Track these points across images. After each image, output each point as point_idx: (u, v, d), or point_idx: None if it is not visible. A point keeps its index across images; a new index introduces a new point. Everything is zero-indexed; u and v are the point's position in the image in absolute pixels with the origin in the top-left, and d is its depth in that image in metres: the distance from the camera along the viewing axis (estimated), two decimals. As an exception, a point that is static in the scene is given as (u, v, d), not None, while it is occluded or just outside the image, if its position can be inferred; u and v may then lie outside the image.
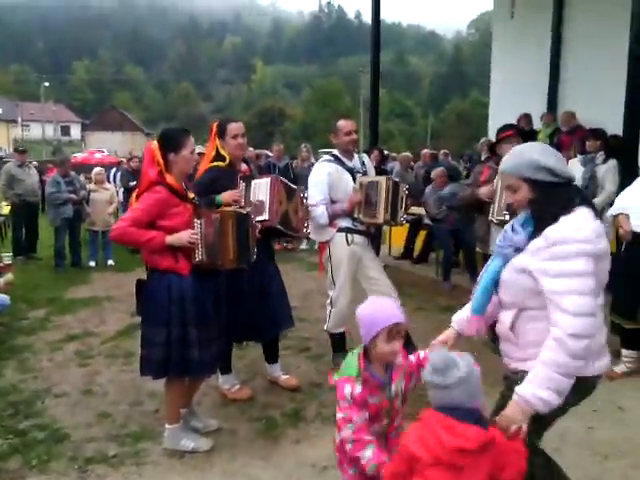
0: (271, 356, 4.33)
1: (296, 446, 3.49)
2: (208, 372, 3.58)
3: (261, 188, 3.85)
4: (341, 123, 4.40)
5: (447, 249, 7.16)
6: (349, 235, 4.38)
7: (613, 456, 3.28)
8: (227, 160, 3.90)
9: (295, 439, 3.56)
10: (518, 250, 2.16)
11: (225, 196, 3.79)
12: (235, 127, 3.92)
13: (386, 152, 11.71)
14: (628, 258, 4.35)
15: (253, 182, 3.88)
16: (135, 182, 9.59)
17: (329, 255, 4.44)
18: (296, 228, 4.08)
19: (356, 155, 4.54)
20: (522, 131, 4.97)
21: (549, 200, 2.12)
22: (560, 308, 2.02)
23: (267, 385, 4.30)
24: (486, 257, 4.79)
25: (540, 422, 2.17)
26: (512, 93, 9.81)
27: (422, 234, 8.25)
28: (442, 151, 12.64)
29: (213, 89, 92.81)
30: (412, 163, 11.06)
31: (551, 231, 2.06)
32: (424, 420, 1.95)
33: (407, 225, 7.70)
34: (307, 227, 4.20)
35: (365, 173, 4.51)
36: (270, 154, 11.65)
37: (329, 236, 4.42)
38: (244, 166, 4.10)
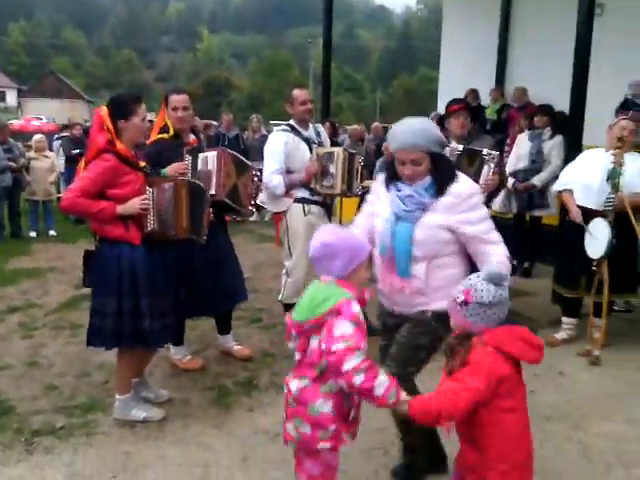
0: (224, 327, 4.31)
1: (249, 414, 3.51)
2: (160, 343, 3.54)
3: (208, 161, 3.76)
4: (296, 92, 4.36)
5: None
6: (306, 206, 4.37)
7: (555, 418, 3.44)
8: (170, 132, 3.80)
9: (248, 407, 3.58)
10: (424, 211, 2.48)
11: (170, 169, 3.69)
12: (175, 99, 3.79)
13: (337, 124, 11.71)
14: (569, 230, 4.52)
15: (200, 155, 3.79)
16: (78, 150, 9.28)
17: (286, 226, 4.42)
18: (243, 203, 3.99)
19: (311, 125, 4.51)
20: (470, 106, 5.03)
21: (444, 166, 2.54)
22: (491, 242, 2.51)
23: (219, 355, 4.29)
24: None
25: (422, 359, 2.61)
26: (461, 69, 9.92)
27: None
28: (392, 125, 12.65)
29: (157, 56, 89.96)
30: (363, 136, 11.08)
31: (458, 189, 2.49)
32: (490, 340, 1.96)
33: (358, 198, 7.72)
34: (253, 205, 4.10)
35: (321, 144, 4.50)
36: (215, 123, 11.44)
37: (285, 206, 4.40)
38: (192, 137, 4.00)
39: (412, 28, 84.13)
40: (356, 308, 2.05)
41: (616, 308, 4.73)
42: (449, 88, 10.23)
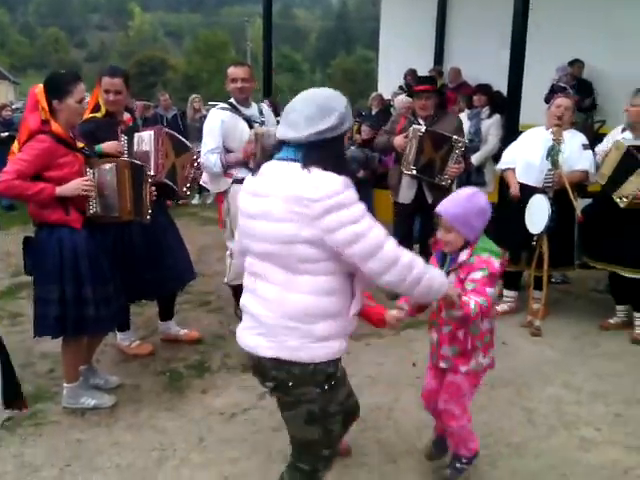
0: (166, 313, 4.23)
1: (203, 396, 3.50)
2: (106, 330, 3.47)
3: (145, 141, 3.67)
4: (229, 70, 4.28)
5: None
6: None
7: (499, 385, 3.58)
8: (102, 110, 3.68)
9: (201, 389, 3.56)
10: None
11: (106, 146, 3.57)
12: (107, 82, 3.64)
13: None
14: (508, 207, 4.68)
15: (136, 135, 3.68)
16: (7, 133, 8.87)
17: (227, 207, 4.38)
18: (179, 185, 3.87)
19: (255, 104, 4.46)
20: (435, 87, 5.07)
21: None
22: None
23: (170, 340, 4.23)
24: (396, 205, 4.98)
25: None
26: (400, 49, 10.02)
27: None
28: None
29: (86, 35, 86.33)
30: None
31: None
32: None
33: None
34: (189, 188, 3.97)
35: (263, 123, 4.45)
36: (151, 104, 11.16)
37: (226, 186, 4.34)
38: (127, 115, 3.88)
39: (349, 8, 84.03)
40: (497, 266, 2.41)
41: (553, 280, 4.95)
42: (388, 68, 10.34)
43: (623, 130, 4.32)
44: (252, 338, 2.03)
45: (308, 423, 2.04)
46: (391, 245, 1.91)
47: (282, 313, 1.95)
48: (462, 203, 2.39)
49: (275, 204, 1.90)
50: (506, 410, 3.33)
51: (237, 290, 4.56)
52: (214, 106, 4.56)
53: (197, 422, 3.21)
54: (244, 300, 2.11)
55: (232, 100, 4.35)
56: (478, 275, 2.33)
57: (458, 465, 2.67)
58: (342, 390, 2.21)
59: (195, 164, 3.95)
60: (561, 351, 4.09)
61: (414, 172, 4.69)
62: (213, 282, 5.36)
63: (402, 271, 1.91)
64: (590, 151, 4.37)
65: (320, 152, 1.91)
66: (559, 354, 4.05)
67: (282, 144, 1.99)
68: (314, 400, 2.01)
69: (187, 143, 4.01)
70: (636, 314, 4.25)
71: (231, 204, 4.34)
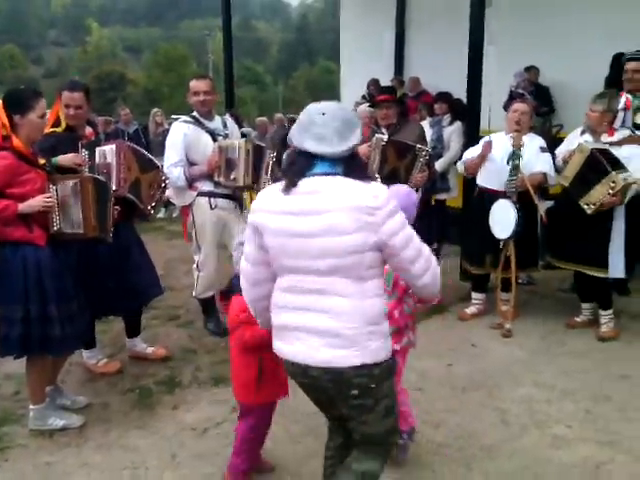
0: (133, 330, 4.15)
1: (174, 412, 3.44)
2: (71, 349, 3.40)
3: (107, 155, 3.60)
4: (191, 83, 4.30)
5: None
6: (212, 199, 4.30)
7: (471, 388, 3.62)
8: (62, 125, 3.61)
9: (172, 405, 3.50)
10: None
11: (62, 159, 3.48)
12: (67, 96, 3.57)
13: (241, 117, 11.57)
14: (472, 210, 4.75)
15: (97, 149, 3.61)
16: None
17: (192, 220, 4.35)
18: (144, 202, 3.78)
19: (218, 117, 4.44)
20: (395, 96, 5.09)
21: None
22: None
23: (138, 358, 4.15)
24: None
25: None
26: (361, 59, 10.10)
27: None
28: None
29: (44, 51, 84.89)
30: (269, 128, 11.03)
31: None
32: None
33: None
34: (153, 207, 3.86)
35: (227, 136, 4.43)
36: (112, 119, 11.03)
37: (190, 199, 4.31)
38: (89, 130, 3.82)
39: (309, 20, 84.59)
40: None
41: (520, 281, 5.02)
42: (351, 78, 10.41)
43: (582, 132, 4.42)
44: (328, 352, 2.00)
45: (385, 417, 2.15)
46: (426, 247, 2.10)
47: (363, 321, 2.00)
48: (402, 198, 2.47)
49: (340, 217, 1.92)
50: (478, 412, 3.36)
51: (206, 303, 4.52)
52: (177, 119, 4.53)
53: (169, 439, 3.16)
54: (294, 319, 2.05)
55: (195, 113, 4.33)
56: None
57: (401, 442, 2.77)
58: None
59: (162, 184, 3.89)
60: (530, 351, 4.15)
61: (378, 180, 4.70)
62: (181, 296, 5.28)
63: (435, 271, 2.11)
64: (548, 154, 4.46)
65: (356, 164, 2.05)
66: (528, 354, 4.11)
67: (311, 159, 1.99)
68: (388, 394, 2.14)
69: (155, 161, 3.92)
70: (602, 312, 4.34)
71: (196, 217, 4.32)
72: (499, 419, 3.29)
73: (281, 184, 2.03)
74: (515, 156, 4.23)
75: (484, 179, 4.51)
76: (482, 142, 4.62)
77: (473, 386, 3.65)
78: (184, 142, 4.21)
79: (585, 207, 4.08)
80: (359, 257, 1.95)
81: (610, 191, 3.95)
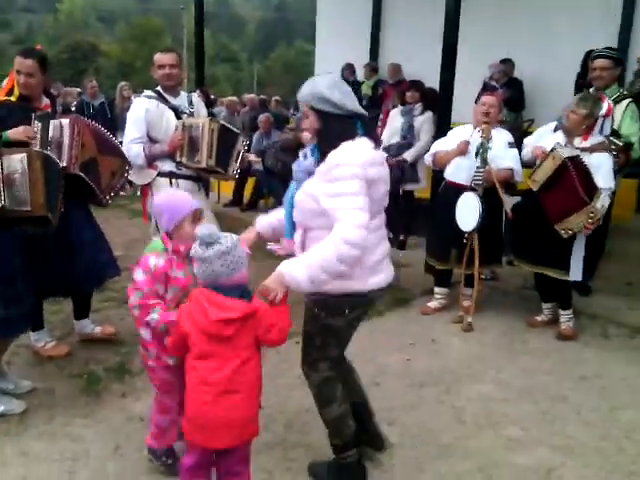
0: (81, 311, 3.99)
1: (122, 400, 3.31)
2: (17, 331, 3.23)
3: (61, 130, 3.39)
4: (156, 56, 4.08)
5: (278, 196, 7.15)
6: (173, 180, 4.12)
7: (429, 384, 3.57)
8: (16, 94, 3.42)
9: (120, 393, 3.38)
10: (311, 175, 2.40)
11: (12, 133, 3.29)
12: (19, 62, 3.38)
13: (212, 96, 11.34)
14: (438, 205, 4.69)
15: (52, 122, 3.41)
16: None
17: (153, 200, 4.18)
18: (102, 187, 3.55)
19: (184, 93, 4.26)
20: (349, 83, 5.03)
21: (330, 129, 2.36)
22: (340, 220, 2.24)
23: (87, 340, 4.00)
24: None
25: (336, 337, 2.54)
26: (337, 43, 9.97)
27: (251, 181, 8.19)
28: (274, 98, 12.36)
29: (11, 17, 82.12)
30: (240, 108, 10.80)
31: (331, 156, 2.31)
32: (193, 298, 2.23)
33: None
34: (112, 196, 3.64)
35: (192, 114, 4.25)
36: (77, 90, 10.69)
37: (150, 178, 4.12)
38: (46, 101, 3.62)
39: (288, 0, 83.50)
40: (153, 261, 2.43)
41: (483, 277, 4.99)
42: (325, 62, 10.27)
43: (556, 129, 4.36)
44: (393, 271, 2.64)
45: None
46: None
47: None
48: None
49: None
50: (435, 409, 3.31)
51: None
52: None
53: (115, 428, 3.03)
54: (383, 251, 2.55)
55: (158, 88, 4.14)
56: None
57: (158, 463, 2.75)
58: None
59: (126, 175, 3.71)
60: (490, 347, 4.13)
61: None
62: (138, 278, 5.11)
63: None
64: (515, 150, 4.40)
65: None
66: (488, 350, 4.08)
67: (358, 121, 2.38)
68: None
69: (121, 149, 3.75)
70: (561, 311, 4.33)
71: (156, 197, 4.15)
72: (455, 417, 3.24)
73: (364, 141, 2.36)
74: (483, 149, 4.17)
75: (451, 173, 4.44)
76: (453, 133, 4.54)
77: (431, 382, 3.61)
78: (145, 118, 4.02)
79: (562, 232, 4.02)
80: None
81: (590, 220, 3.92)
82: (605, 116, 4.40)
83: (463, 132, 4.47)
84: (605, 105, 4.41)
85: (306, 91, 2.37)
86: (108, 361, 3.72)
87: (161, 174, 4.08)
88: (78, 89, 10.92)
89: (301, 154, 2.50)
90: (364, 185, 2.28)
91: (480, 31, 7.42)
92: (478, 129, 4.28)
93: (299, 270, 2.21)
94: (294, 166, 2.51)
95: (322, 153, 2.38)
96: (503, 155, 4.31)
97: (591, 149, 4.11)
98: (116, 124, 8.33)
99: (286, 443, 2.95)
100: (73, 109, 7.28)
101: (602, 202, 3.96)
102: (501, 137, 4.37)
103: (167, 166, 4.07)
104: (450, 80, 5.10)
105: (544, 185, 4.07)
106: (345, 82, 2.47)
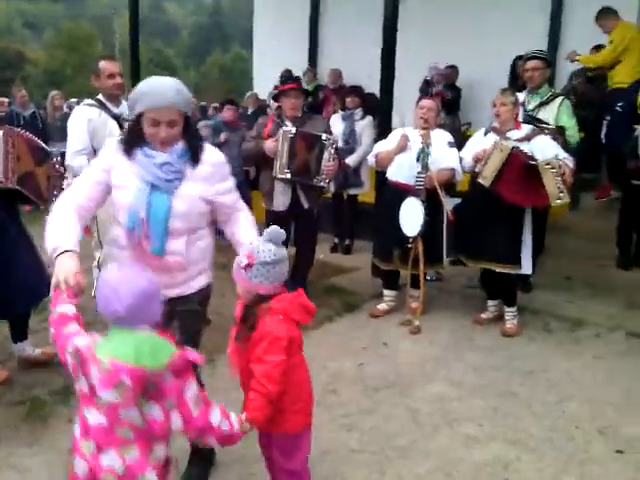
0: (20, 333, 3.78)
1: (70, 425, 3.15)
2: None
3: None
4: (103, 64, 3.99)
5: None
6: None
7: (383, 387, 3.59)
8: None
9: (68, 418, 3.21)
10: (182, 180, 2.34)
11: None
12: None
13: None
14: (381, 205, 4.75)
15: None
16: None
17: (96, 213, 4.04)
18: (42, 194, 3.48)
19: (124, 102, 4.15)
20: (301, 86, 4.99)
21: (195, 132, 2.49)
22: (242, 209, 2.54)
23: (28, 363, 3.81)
24: (271, 213, 4.72)
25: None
26: (275, 48, 9.96)
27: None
28: (212, 105, 12.28)
29: None
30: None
31: (213, 157, 2.41)
32: (279, 309, 2.07)
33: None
34: (56, 196, 3.61)
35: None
36: (6, 100, 10.25)
37: None
38: None
39: (222, 4, 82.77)
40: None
41: (428, 278, 5.07)
42: (264, 68, 10.24)
43: (486, 133, 4.48)
44: None
45: None
46: None
47: None
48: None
49: None
50: (391, 412, 3.33)
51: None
52: (78, 103, 4.21)
53: (64, 456, 2.89)
54: None
55: (100, 97, 4.04)
56: None
57: None
58: None
59: (56, 172, 3.57)
60: (440, 347, 4.19)
61: (289, 176, 4.53)
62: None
63: None
64: (456, 149, 4.50)
65: None
66: (438, 350, 4.14)
67: None
68: None
69: (46, 148, 3.61)
70: (506, 308, 4.45)
71: (99, 211, 4.01)
72: (412, 419, 3.27)
73: None
74: (424, 154, 4.26)
75: (394, 173, 4.50)
76: (394, 135, 4.60)
77: (385, 385, 3.63)
78: (89, 128, 3.91)
79: (558, 202, 4.06)
80: None
81: (554, 172, 3.97)
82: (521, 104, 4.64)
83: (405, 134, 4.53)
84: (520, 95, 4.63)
85: (181, 97, 2.30)
86: (52, 384, 3.55)
87: (104, 185, 3.96)
88: (6, 99, 10.45)
89: (161, 163, 2.32)
90: None
91: (418, 36, 7.57)
92: (418, 133, 4.36)
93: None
94: (153, 176, 2.30)
95: (194, 155, 2.37)
96: (444, 155, 4.39)
97: (527, 137, 4.25)
98: (48, 134, 8.03)
99: (246, 459, 2.89)
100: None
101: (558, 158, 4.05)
102: (442, 137, 4.46)
103: None
104: (390, 85, 5.16)
105: (496, 178, 4.13)
106: None
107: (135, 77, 7.92)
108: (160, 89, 2.26)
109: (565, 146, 4.56)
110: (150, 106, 2.24)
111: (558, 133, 4.60)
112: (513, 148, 4.08)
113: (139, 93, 2.29)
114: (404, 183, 4.41)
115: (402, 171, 4.43)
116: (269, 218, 4.67)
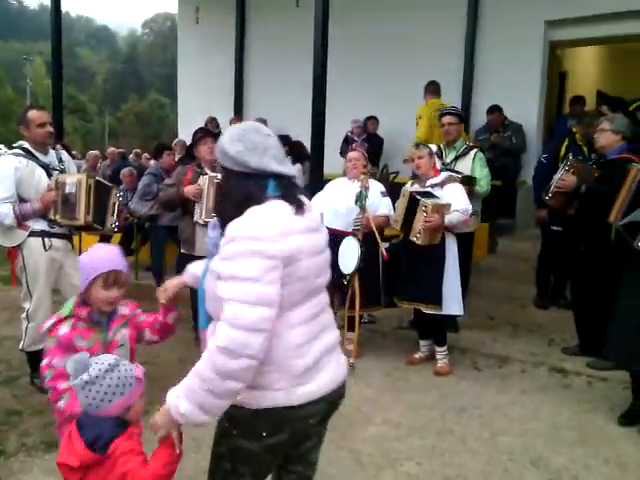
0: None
1: None
2: None
3: None
4: (33, 114, 3.95)
5: (158, 248, 6.84)
6: (46, 239, 3.93)
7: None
8: None
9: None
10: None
11: None
12: None
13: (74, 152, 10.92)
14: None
15: None
16: None
17: (23, 263, 3.91)
18: None
19: (52, 151, 4.09)
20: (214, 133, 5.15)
21: (232, 191, 1.84)
22: (223, 316, 1.68)
23: None
24: (193, 258, 4.69)
25: (250, 466, 1.90)
26: (200, 96, 10.08)
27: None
28: (134, 150, 12.36)
29: None
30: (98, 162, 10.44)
31: (229, 226, 1.74)
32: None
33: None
34: None
35: (63, 171, 4.10)
36: None
37: (20, 239, 3.90)
38: None
39: (138, 51, 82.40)
40: (63, 329, 2.21)
41: (362, 320, 5.18)
42: (189, 115, 10.31)
43: (412, 184, 4.76)
44: (342, 369, 1.98)
45: None
46: None
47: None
48: None
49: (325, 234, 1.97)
50: (335, 455, 3.35)
51: (33, 357, 4.03)
52: (-2, 151, 4.10)
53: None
54: (318, 348, 1.87)
55: (27, 146, 3.96)
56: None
57: None
58: None
59: None
60: (376, 389, 4.28)
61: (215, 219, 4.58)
62: (1, 349, 4.69)
63: None
64: (388, 198, 4.80)
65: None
66: (375, 392, 4.22)
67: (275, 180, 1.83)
68: None
69: None
70: (437, 348, 4.62)
71: (27, 260, 3.89)
72: (355, 461, 3.31)
73: (278, 205, 1.78)
74: (362, 197, 4.48)
75: (331, 220, 4.62)
76: (328, 188, 4.84)
77: (328, 428, 3.63)
78: (15, 177, 3.82)
79: (415, 240, 4.40)
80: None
81: (424, 214, 4.30)
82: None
83: (338, 184, 4.77)
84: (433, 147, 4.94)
85: (219, 147, 1.87)
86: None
87: (32, 233, 3.86)
88: None
89: (210, 224, 1.99)
90: (272, 266, 1.68)
91: (344, 89, 7.89)
92: (357, 181, 4.61)
93: (182, 400, 1.69)
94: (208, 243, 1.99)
95: (222, 222, 1.83)
96: (378, 204, 4.69)
97: (442, 183, 4.54)
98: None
99: None
100: None
101: (434, 200, 4.35)
102: (375, 187, 4.74)
103: (39, 225, 3.90)
104: (321, 132, 5.37)
105: (404, 222, 4.49)
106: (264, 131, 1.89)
107: (58, 124, 7.77)
108: None
109: (471, 195, 4.86)
110: None
111: (465, 182, 4.88)
112: (411, 192, 4.45)
113: None
114: (342, 230, 4.58)
115: (339, 218, 4.63)
116: (186, 261, 4.62)
